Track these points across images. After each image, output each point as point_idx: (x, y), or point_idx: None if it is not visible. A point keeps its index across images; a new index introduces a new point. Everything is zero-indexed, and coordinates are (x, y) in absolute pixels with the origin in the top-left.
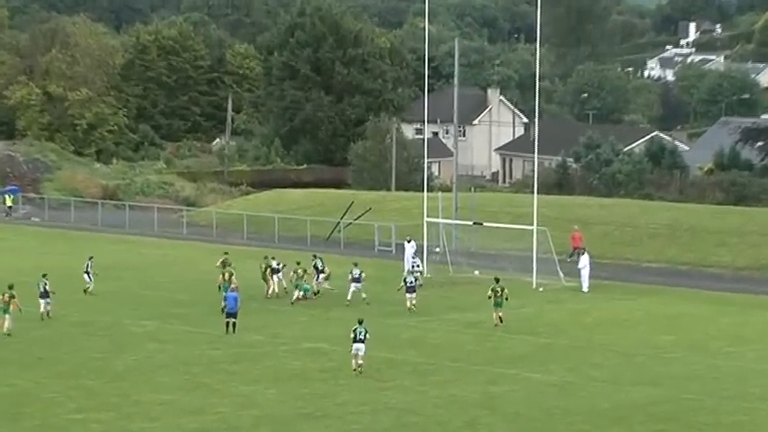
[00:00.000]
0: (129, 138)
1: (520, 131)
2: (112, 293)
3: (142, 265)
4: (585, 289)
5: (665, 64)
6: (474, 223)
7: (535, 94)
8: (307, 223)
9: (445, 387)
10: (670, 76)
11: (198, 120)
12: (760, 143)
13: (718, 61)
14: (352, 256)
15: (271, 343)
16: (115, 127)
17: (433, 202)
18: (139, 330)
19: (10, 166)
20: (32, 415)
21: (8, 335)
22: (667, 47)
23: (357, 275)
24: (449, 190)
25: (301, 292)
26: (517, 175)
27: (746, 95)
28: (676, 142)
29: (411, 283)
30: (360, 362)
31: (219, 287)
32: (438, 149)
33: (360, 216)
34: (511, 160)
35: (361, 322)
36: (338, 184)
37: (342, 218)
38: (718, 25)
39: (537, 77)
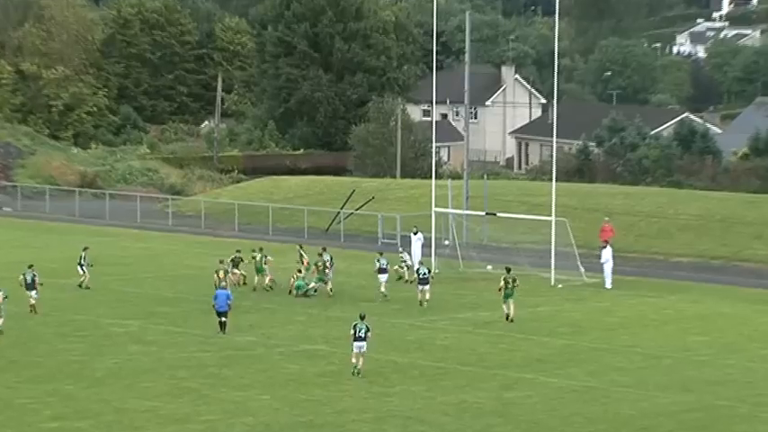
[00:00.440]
0: (109, 120)
1: (537, 113)
2: (91, 290)
3: (124, 260)
4: (608, 285)
5: (695, 39)
6: (486, 213)
7: (554, 72)
8: (304, 213)
9: (455, 393)
10: (701, 52)
11: (185, 100)
12: None
13: (753, 36)
14: (353, 249)
15: (265, 344)
16: (94, 108)
17: (441, 190)
18: (121, 331)
19: None
20: (4, 423)
21: None
22: (698, 20)
23: (384, 266)
24: (459, 177)
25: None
26: (534, 161)
27: None
28: (708, 125)
29: (424, 274)
30: (360, 361)
31: (216, 287)
32: (447, 133)
33: (362, 206)
34: (527, 145)
35: (362, 318)
36: (338, 171)
37: (342, 208)
38: None
39: (555, 54)
